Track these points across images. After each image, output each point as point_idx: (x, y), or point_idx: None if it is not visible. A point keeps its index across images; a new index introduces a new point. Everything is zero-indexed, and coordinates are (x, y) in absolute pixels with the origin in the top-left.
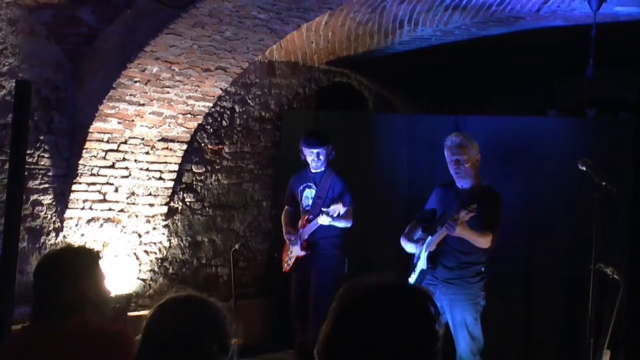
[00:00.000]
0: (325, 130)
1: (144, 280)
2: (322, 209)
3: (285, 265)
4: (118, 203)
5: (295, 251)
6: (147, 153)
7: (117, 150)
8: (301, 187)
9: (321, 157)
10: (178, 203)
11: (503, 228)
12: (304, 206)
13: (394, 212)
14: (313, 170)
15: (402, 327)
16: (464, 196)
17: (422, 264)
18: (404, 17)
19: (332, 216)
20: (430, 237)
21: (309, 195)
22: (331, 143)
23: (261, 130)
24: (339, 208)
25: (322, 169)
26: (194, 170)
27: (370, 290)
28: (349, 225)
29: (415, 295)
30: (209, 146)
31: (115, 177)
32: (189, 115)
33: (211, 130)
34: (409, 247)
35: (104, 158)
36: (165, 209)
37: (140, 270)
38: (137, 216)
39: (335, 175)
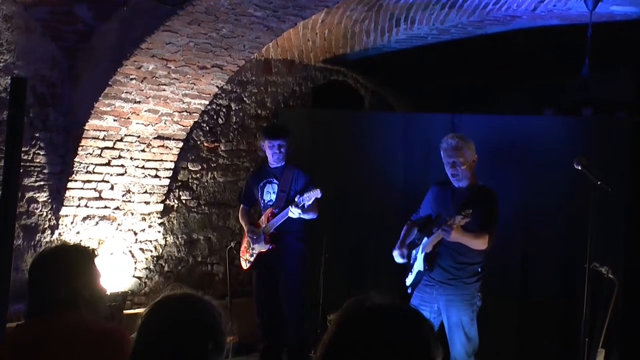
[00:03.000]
0: (285, 123)
1: (139, 278)
2: (295, 200)
3: (246, 263)
4: (114, 201)
5: (259, 247)
6: (143, 151)
7: (112, 148)
8: (261, 184)
9: (282, 150)
10: (174, 201)
11: (498, 227)
12: (265, 202)
13: (389, 211)
14: (272, 166)
15: (401, 351)
16: (460, 195)
17: (418, 265)
18: (400, 16)
19: (303, 206)
20: (426, 239)
21: (270, 190)
22: (291, 137)
23: (257, 128)
24: (313, 194)
25: (282, 163)
26: (190, 168)
27: (375, 309)
28: (315, 217)
29: (418, 323)
30: (205, 144)
31: (111, 175)
32: (184, 113)
33: (207, 128)
34: (396, 255)
35: (100, 155)
36: (161, 207)
37: (135, 268)
38: (132, 214)
39: (297, 168)
